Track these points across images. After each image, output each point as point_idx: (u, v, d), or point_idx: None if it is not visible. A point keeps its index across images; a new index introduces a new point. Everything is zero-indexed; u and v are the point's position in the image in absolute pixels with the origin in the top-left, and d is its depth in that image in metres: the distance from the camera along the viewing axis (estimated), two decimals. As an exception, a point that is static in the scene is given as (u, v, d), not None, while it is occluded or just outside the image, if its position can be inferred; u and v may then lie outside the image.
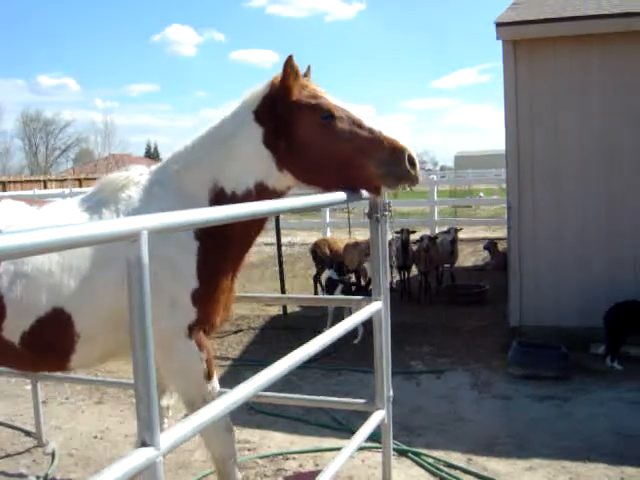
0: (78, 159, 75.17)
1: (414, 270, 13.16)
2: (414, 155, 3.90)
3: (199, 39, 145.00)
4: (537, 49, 9.28)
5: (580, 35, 9.01)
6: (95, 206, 4.01)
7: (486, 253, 16.28)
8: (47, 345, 3.89)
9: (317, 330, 9.63)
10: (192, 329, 3.90)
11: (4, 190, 29.67)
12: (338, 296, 8.71)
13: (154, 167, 4.22)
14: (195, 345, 3.93)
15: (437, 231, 18.30)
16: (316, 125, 3.92)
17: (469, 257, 17.33)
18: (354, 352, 9.15)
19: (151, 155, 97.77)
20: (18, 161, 75.83)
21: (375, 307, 4.63)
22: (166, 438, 2.36)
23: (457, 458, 5.94)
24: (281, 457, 6.08)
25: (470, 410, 7.16)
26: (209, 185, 4.02)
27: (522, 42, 9.25)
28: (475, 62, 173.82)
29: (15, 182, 33.36)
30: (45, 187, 32.69)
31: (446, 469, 5.72)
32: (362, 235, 20.30)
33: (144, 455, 2.24)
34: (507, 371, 8.17)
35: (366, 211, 4.64)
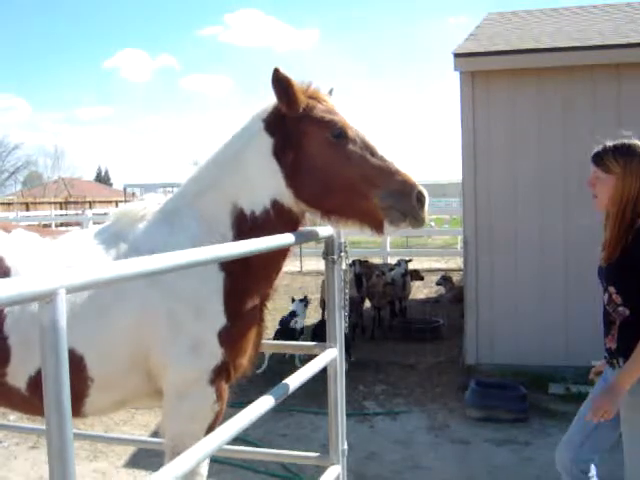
0: (27, 182, 73.98)
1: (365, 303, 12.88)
2: (425, 194, 3.54)
3: (152, 64, 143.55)
4: (495, 81, 9.11)
5: (539, 68, 8.86)
6: (111, 239, 3.65)
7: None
8: None
9: (270, 366, 9.26)
10: (216, 373, 3.53)
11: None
12: (290, 342, 8.35)
13: (172, 195, 3.90)
14: (214, 393, 3.56)
15: (389, 261, 18.11)
16: (325, 142, 3.58)
17: (421, 289, 17.05)
18: (305, 391, 8.72)
19: (101, 179, 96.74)
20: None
21: (330, 355, 4.27)
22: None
23: (414, 512, 5.59)
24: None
25: (427, 456, 6.82)
26: (229, 207, 3.68)
27: (480, 73, 9.07)
28: (429, 90, 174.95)
29: (-39, 204, 32.68)
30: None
31: (403, 525, 5.36)
32: (314, 264, 20.10)
33: None
34: (464, 413, 7.87)
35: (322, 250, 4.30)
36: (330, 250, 4.21)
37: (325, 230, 4.04)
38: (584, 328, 8.52)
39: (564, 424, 7.42)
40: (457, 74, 9.19)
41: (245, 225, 3.65)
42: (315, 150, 3.60)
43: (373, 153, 3.58)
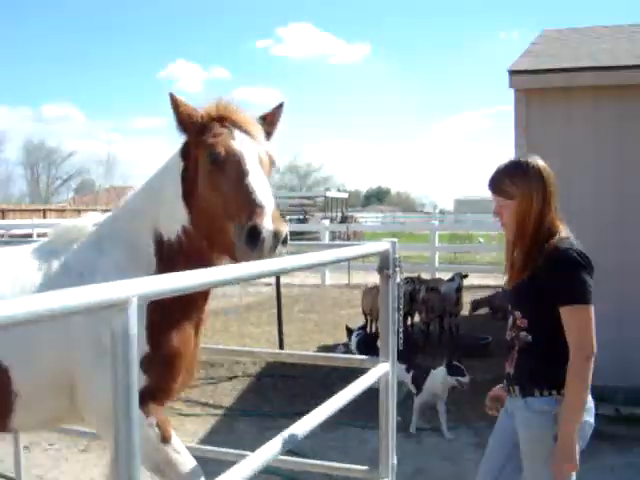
0: (79, 189, 75.26)
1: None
2: (282, 230, 3.19)
3: (204, 75, 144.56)
4: (551, 98, 9.07)
5: (596, 86, 8.79)
6: (46, 256, 3.68)
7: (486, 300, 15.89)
8: None
9: (316, 378, 9.31)
10: (141, 398, 3.49)
11: (3, 218, 29.54)
12: (342, 355, 8.39)
13: (106, 216, 3.96)
14: (141, 415, 3.43)
15: (437, 276, 18.07)
16: (204, 168, 3.47)
17: (469, 305, 16.93)
18: (354, 404, 8.75)
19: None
20: (19, 189, 75.92)
21: (382, 370, 4.30)
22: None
23: (463, 528, 5.58)
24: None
25: (476, 473, 6.77)
26: (152, 232, 3.68)
27: (535, 91, 9.03)
28: (478, 106, 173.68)
29: (14, 210, 33.29)
30: (44, 216, 32.55)
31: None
32: (361, 277, 20.10)
33: None
34: (513, 431, 7.81)
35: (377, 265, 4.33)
36: (385, 264, 4.24)
37: (379, 245, 4.06)
38: (638, 346, 8.40)
39: (612, 446, 7.37)
40: (512, 91, 9.17)
41: (167, 251, 3.63)
42: (198, 176, 3.52)
43: (241, 181, 3.32)
